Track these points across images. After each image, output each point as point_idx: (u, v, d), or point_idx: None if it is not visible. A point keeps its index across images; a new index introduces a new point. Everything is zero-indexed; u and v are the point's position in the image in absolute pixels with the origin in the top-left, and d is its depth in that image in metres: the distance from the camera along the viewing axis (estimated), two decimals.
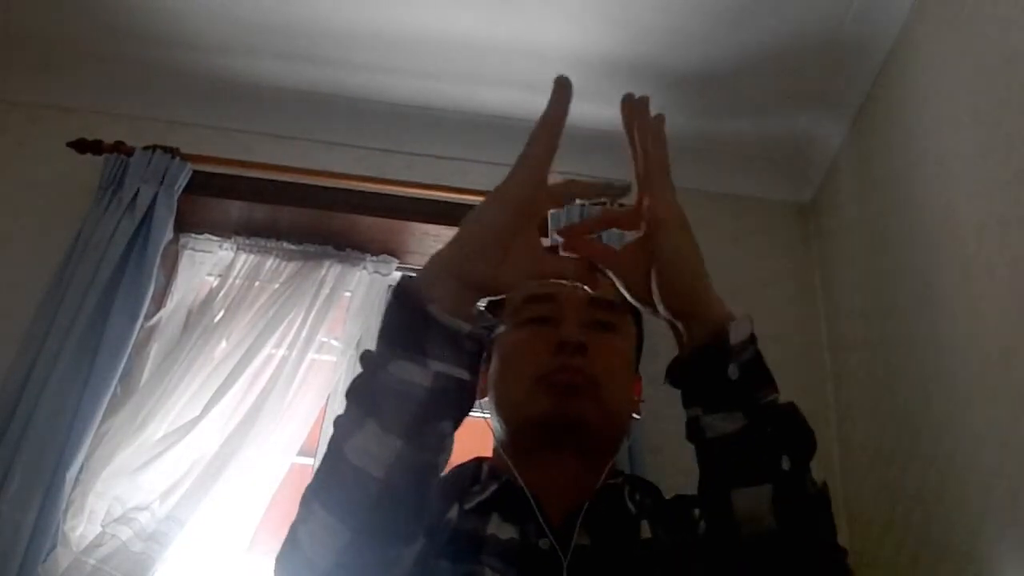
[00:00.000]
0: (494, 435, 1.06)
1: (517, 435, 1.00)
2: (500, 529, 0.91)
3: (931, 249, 1.66)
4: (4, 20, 2.16)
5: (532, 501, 0.93)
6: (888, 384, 1.80)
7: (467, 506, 0.95)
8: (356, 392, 0.76)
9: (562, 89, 0.88)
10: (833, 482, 1.95)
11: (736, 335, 0.80)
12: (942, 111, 1.67)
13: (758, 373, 0.80)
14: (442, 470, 0.77)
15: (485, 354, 1.07)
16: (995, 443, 1.36)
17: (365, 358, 0.76)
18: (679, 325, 0.84)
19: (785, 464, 0.77)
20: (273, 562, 0.78)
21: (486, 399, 1.07)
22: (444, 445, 0.76)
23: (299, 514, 0.77)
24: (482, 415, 1.07)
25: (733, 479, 0.77)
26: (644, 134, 0.88)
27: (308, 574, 0.74)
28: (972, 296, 1.48)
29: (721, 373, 0.78)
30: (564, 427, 0.97)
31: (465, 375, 0.75)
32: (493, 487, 0.97)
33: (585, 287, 0.89)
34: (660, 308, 0.83)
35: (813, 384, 2.09)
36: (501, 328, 1.07)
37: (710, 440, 0.79)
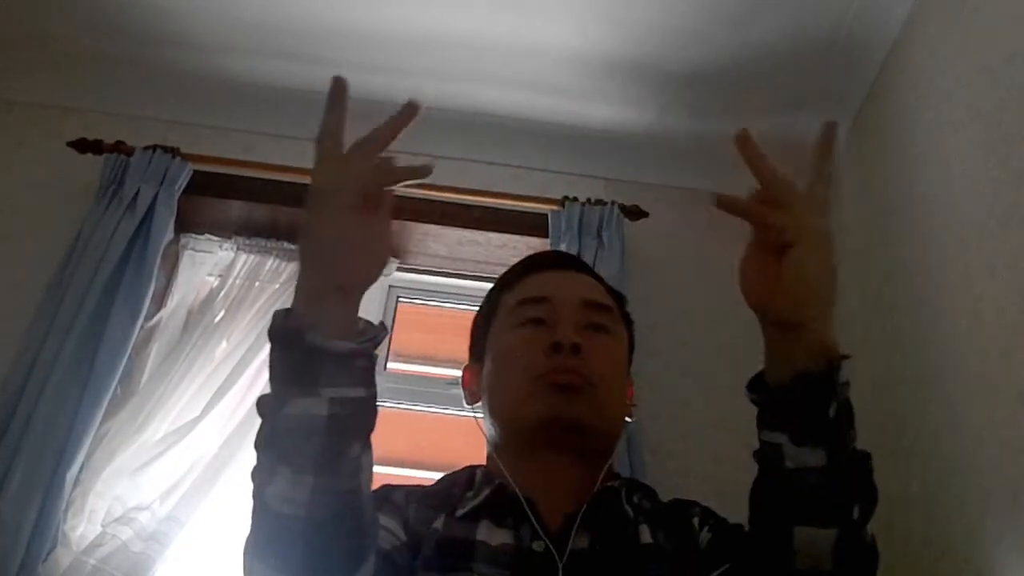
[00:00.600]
0: (487, 439, 1.05)
1: (513, 436, 1.00)
2: (491, 535, 0.91)
3: (931, 249, 1.66)
4: (4, 20, 2.16)
5: (526, 504, 0.93)
6: (888, 384, 1.80)
7: (458, 513, 0.94)
8: (261, 441, 0.75)
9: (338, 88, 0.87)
10: None
11: (843, 374, 0.79)
12: (942, 111, 1.67)
13: (850, 414, 0.79)
14: (366, 489, 0.77)
15: (476, 353, 1.08)
16: (995, 443, 1.36)
17: (261, 404, 0.75)
18: (782, 339, 0.81)
19: (855, 513, 0.76)
20: None
21: (479, 403, 1.07)
22: (359, 466, 0.75)
23: (243, 571, 0.77)
24: (472, 415, 1.07)
25: (802, 516, 0.77)
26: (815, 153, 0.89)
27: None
28: (972, 296, 1.48)
29: (822, 408, 0.77)
30: (561, 428, 0.97)
31: (361, 392, 0.74)
32: (486, 492, 0.96)
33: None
34: (775, 313, 0.81)
35: None
36: (494, 330, 1.08)
37: (788, 470, 0.77)
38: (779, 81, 2.12)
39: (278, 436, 0.73)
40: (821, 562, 0.76)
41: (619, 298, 1.13)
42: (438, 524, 0.92)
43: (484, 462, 1.07)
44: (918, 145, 1.76)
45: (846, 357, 0.79)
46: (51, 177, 2.13)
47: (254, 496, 0.75)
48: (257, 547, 0.75)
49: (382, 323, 0.79)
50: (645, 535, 0.93)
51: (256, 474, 0.75)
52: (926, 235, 1.69)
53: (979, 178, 1.50)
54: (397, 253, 2.17)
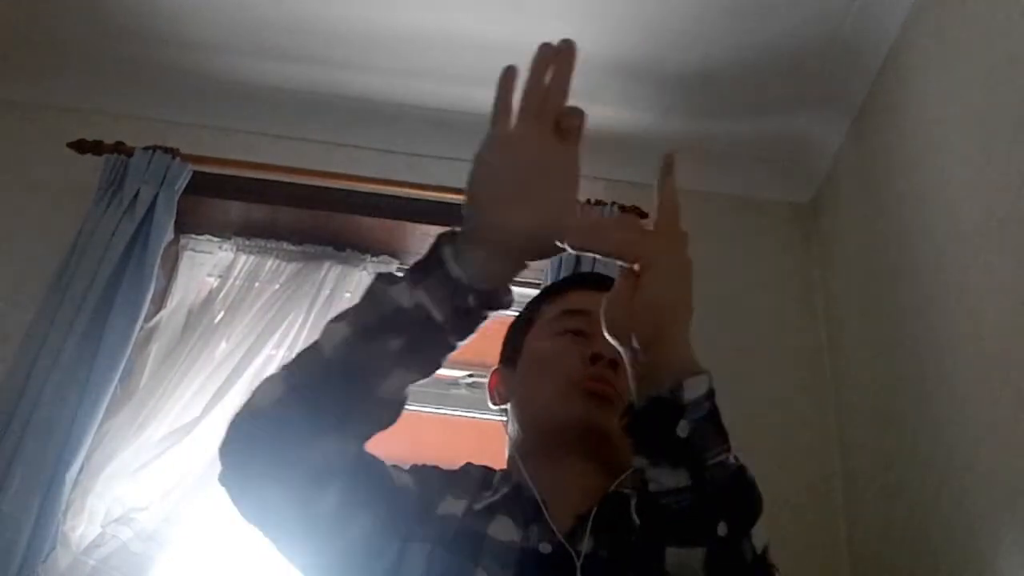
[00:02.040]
0: (510, 440, 1.07)
1: (540, 438, 1.02)
2: (502, 531, 0.92)
3: (931, 249, 1.66)
4: (4, 20, 2.16)
5: (542, 505, 0.94)
6: (888, 384, 1.80)
7: (476, 506, 0.96)
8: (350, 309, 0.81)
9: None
10: (833, 482, 1.97)
11: (692, 391, 0.77)
12: (942, 111, 1.67)
13: (710, 431, 0.78)
14: (387, 406, 0.81)
15: (508, 358, 1.09)
16: (995, 443, 1.36)
17: (378, 275, 0.82)
18: (636, 364, 0.82)
19: (722, 530, 0.75)
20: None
21: (507, 405, 1.09)
22: (393, 372, 0.78)
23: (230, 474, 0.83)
24: (470, 415, 1.08)
25: (668, 536, 0.77)
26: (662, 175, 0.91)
27: (248, 420, 0.81)
28: (972, 296, 1.48)
29: (670, 429, 0.76)
30: (589, 434, 0.99)
31: (439, 317, 0.76)
32: (504, 490, 0.98)
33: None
34: (631, 342, 0.81)
35: (812, 385, 2.09)
36: (532, 336, 1.10)
37: (652, 493, 0.77)
38: (779, 82, 2.12)
39: (363, 296, 0.80)
40: None
41: None
42: (458, 510, 0.95)
43: (493, 465, 1.09)
44: (917, 146, 1.76)
45: (697, 374, 0.78)
46: (51, 177, 2.13)
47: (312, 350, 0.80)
48: (287, 363, 0.82)
49: (511, 300, 0.81)
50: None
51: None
52: (925, 235, 1.69)
53: (978, 178, 1.50)
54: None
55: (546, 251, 0.81)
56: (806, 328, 2.17)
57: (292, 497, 0.82)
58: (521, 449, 1.04)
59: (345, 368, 0.78)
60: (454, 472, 1.05)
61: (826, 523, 1.92)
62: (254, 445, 0.81)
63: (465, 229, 0.80)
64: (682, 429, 0.76)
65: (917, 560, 1.58)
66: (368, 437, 0.85)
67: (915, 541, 1.60)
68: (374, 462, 0.91)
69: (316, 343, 0.80)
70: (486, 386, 1.17)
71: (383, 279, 0.80)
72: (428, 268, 0.77)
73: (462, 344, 0.81)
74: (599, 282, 1.16)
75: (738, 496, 0.78)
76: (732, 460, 0.78)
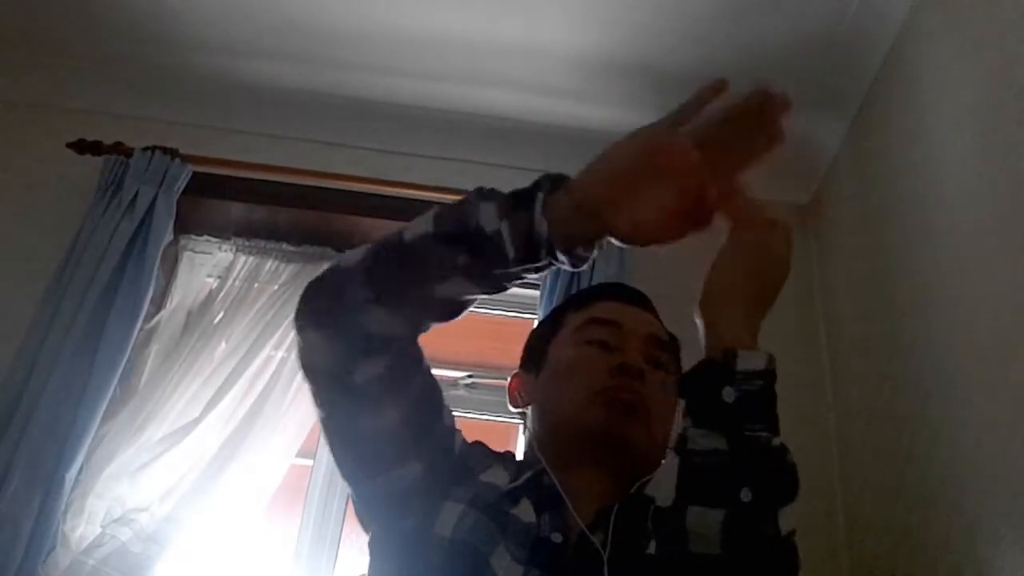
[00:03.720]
0: (532, 439, 1.08)
1: (561, 443, 1.03)
2: (524, 513, 0.94)
3: (931, 249, 1.66)
4: (4, 20, 2.16)
5: (564, 496, 0.96)
6: (887, 384, 1.80)
7: (508, 487, 0.98)
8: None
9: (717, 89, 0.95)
10: (832, 482, 1.96)
11: (746, 363, 0.80)
12: (941, 111, 1.67)
13: (756, 407, 0.80)
14: (442, 308, 0.88)
15: (532, 364, 1.12)
16: (995, 443, 1.37)
17: (479, 188, 0.85)
18: (705, 332, 0.85)
19: (745, 496, 0.76)
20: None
21: (526, 408, 1.11)
22: (452, 278, 0.83)
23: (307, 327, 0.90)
24: (469, 416, 1.09)
25: (694, 495, 0.78)
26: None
27: (329, 275, 0.89)
28: (971, 296, 1.48)
29: (717, 392, 0.79)
30: (610, 443, 1.00)
31: (510, 253, 0.79)
32: (528, 475, 1.00)
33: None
34: (698, 311, 0.86)
35: (812, 385, 2.09)
36: (556, 343, 1.12)
37: (689, 451, 0.79)
38: (778, 82, 2.12)
39: (455, 207, 0.85)
40: (710, 544, 0.76)
41: (677, 342, 1.16)
42: (501, 481, 0.98)
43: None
44: (917, 145, 1.77)
45: (757, 351, 0.82)
46: (50, 178, 2.13)
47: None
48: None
49: (584, 260, 0.83)
50: (651, 547, 0.95)
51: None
52: (924, 235, 1.69)
53: (978, 178, 1.50)
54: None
55: (628, 237, 0.81)
56: (805, 328, 2.18)
57: (346, 354, 0.88)
58: (544, 449, 1.05)
59: (415, 258, 0.85)
60: (499, 453, 1.08)
61: (825, 523, 1.92)
62: (330, 295, 0.88)
63: (572, 183, 0.82)
64: (728, 395, 0.79)
65: (916, 560, 1.58)
66: (419, 326, 0.91)
67: (914, 541, 1.60)
68: (429, 377, 0.97)
69: (400, 230, 0.87)
70: (506, 388, 1.18)
71: (482, 193, 0.84)
72: (520, 203, 0.80)
73: (528, 278, 0.85)
74: (627, 294, 1.18)
75: (770, 470, 0.80)
76: (776, 442, 0.80)
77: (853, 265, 2.05)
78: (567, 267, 0.82)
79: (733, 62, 2.07)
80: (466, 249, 0.81)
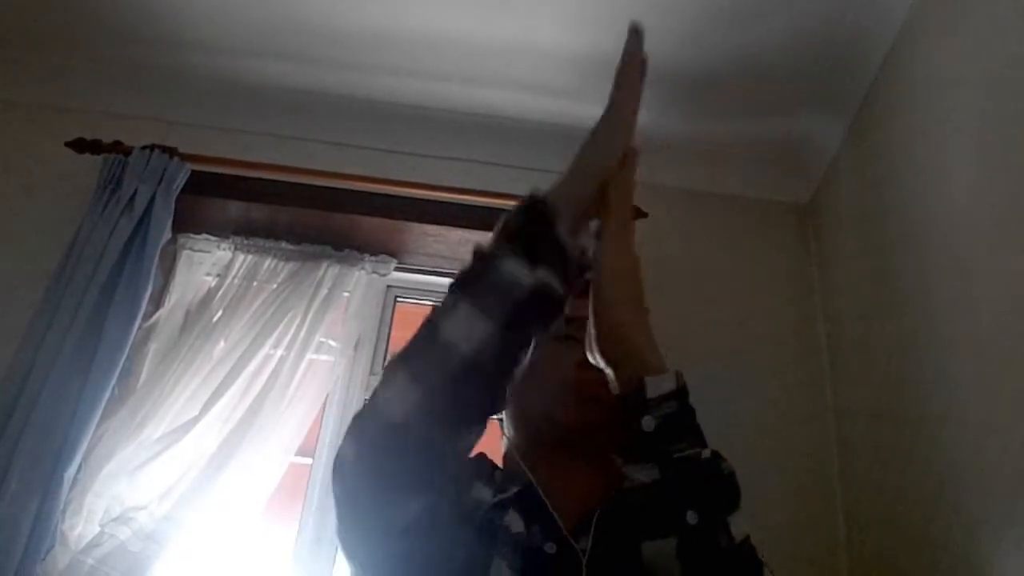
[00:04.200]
0: (509, 441, 1.08)
1: (540, 442, 1.03)
2: (514, 524, 0.94)
3: (930, 249, 1.66)
4: (3, 20, 2.15)
5: (547, 504, 0.96)
6: (887, 384, 1.80)
7: (494, 499, 0.97)
8: (462, 280, 0.82)
9: (635, 34, 1.00)
10: (832, 482, 1.97)
11: (654, 389, 0.81)
12: (941, 112, 1.67)
13: (677, 428, 0.81)
14: (514, 377, 0.83)
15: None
16: (995, 443, 1.37)
17: (477, 251, 0.83)
18: (609, 374, 0.87)
19: (692, 519, 0.77)
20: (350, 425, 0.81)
21: (503, 412, 1.10)
22: (527, 348, 0.82)
23: (380, 381, 0.81)
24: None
25: (642, 531, 0.78)
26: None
27: (377, 426, 0.78)
28: (971, 296, 1.48)
29: (637, 424, 0.80)
30: (587, 437, 1.00)
31: (560, 290, 0.81)
32: (515, 488, 0.99)
33: None
34: (593, 358, 0.88)
35: (812, 385, 2.09)
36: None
37: (626, 490, 0.80)
38: (777, 83, 2.12)
39: (483, 280, 0.81)
40: (672, 574, 0.76)
41: None
42: (486, 495, 0.96)
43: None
44: (916, 146, 1.77)
45: (661, 373, 0.83)
46: (49, 177, 2.13)
47: (427, 323, 0.81)
48: (410, 361, 0.79)
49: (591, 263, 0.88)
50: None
51: (443, 304, 0.82)
52: (924, 236, 1.69)
53: (977, 179, 1.50)
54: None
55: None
56: (805, 328, 2.18)
57: (425, 502, 0.80)
58: (521, 451, 1.04)
59: (494, 362, 0.79)
60: (476, 458, 1.06)
61: (825, 523, 1.92)
62: (392, 456, 0.77)
63: (559, 202, 0.84)
64: (647, 424, 0.80)
65: (916, 560, 1.58)
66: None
67: (914, 541, 1.60)
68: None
69: (441, 339, 0.78)
70: None
71: (486, 260, 0.81)
72: (544, 246, 0.80)
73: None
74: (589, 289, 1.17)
75: (709, 486, 0.79)
76: (706, 454, 0.80)
77: (853, 265, 2.05)
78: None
79: (732, 63, 2.07)
80: (534, 317, 0.80)
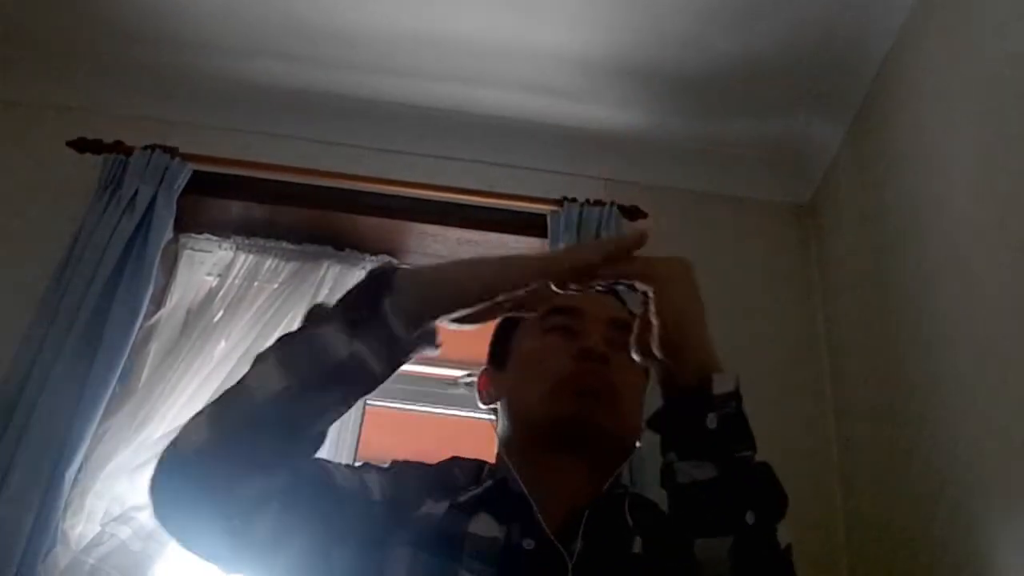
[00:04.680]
0: (500, 439, 1.07)
1: (530, 436, 1.02)
2: (483, 528, 0.92)
3: (930, 249, 1.66)
4: (4, 20, 2.16)
5: (531, 501, 0.94)
6: (887, 384, 1.80)
7: (459, 500, 0.96)
8: (287, 334, 0.82)
9: (638, 240, 0.92)
10: (832, 482, 1.96)
11: (720, 386, 0.82)
12: (941, 112, 1.67)
13: (737, 428, 0.82)
14: (316, 440, 0.84)
15: (497, 359, 1.11)
16: (995, 443, 1.37)
17: (313, 308, 0.83)
18: (669, 370, 0.87)
19: (750, 519, 0.77)
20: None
21: (495, 404, 1.09)
22: (325, 415, 0.81)
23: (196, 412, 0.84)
24: (469, 415, 1.08)
25: (698, 528, 0.79)
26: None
27: (174, 462, 0.80)
28: (972, 296, 1.49)
29: (699, 421, 0.80)
30: (582, 431, 0.99)
31: (376, 367, 0.80)
32: (489, 483, 0.98)
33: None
34: (658, 354, 0.87)
35: (811, 385, 2.09)
36: (519, 335, 1.11)
37: (680, 485, 0.80)
38: (777, 83, 2.12)
39: (298, 340, 0.80)
40: (721, 571, 0.77)
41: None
42: (438, 510, 0.94)
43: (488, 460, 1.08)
44: (916, 147, 1.77)
45: (723, 372, 0.84)
46: (50, 177, 2.12)
47: (235, 381, 0.81)
48: (212, 402, 0.82)
49: (438, 346, 0.86)
50: (637, 546, 0.94)
51: (259, 354, 0.82)
52: (924, 236, 1.69)
53: (977, 179, 1.50)
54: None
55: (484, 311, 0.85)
56: (804, 328, 2.17)
57: (222, 530, 0.81)
58: (512, 447, 1.03)
59: (280, 417, 0.79)
60: (438, 468, 1.05)
61: (824, 523, 1.92)
62: (181, 486, 0.80)
63: (406, 283, 0.82)
64: (711, 421, 0.80)
65: (916, 560, 1.58)
66: (296, 466, 0.85)
67: (914, 541, 1.60)
68: (313, 477, 0.89)
69: (245, 385, 0.80)
70: (475, 386, 1.17)
71: (316, 318, 0.81)
72: (366, 322, 0.79)
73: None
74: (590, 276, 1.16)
75: (765, 488, 0.81)
76: (758, 459, 0.81)
77: (853, 265, 2.05)
78: (431, 350, 0.84)
79: (732, 63, 2.07)
80: (333, 386, 0.79)
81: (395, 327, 0.79)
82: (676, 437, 0.82)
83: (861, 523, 1.84)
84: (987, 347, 1.42)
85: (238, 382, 0.81)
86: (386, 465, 1.02)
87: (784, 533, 0.81)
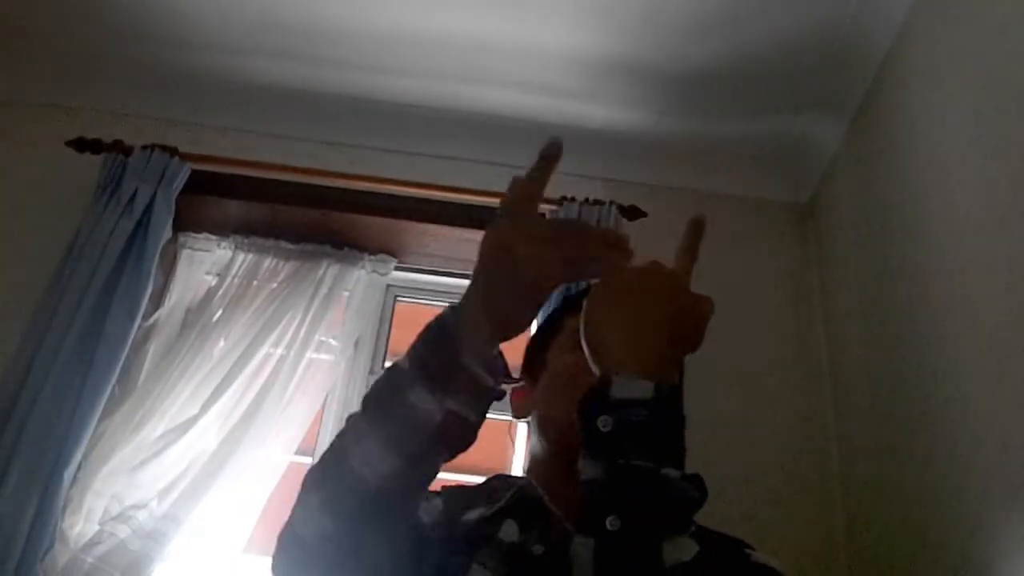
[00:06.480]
0: (531, 451, 1.07)
1: (560, 453, 1.02)
2: (508, 533, 0.93)
3: (930, 249, 1.66)
4: (4, 20, 2.16)
5: (549, 509, 0.95)
6: (886, 384, 1.80)
7: (488, 512, 0.97)
8: (373, 403, 0.83)
9: (551, 151, 0.91)
10: (832, 482, 1.96)
11: (620, 392, 0.78)
12: (940, 111, 1.67)
13: (640, 439, 0.77)
14: (427, 492, 0.88)
15: (530, 373, 1.11)
16: (995, 443, 1.36)
17: (390, 371, 0.82)
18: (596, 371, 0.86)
19: (612, 525, 0.74)
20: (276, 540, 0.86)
21: (528, 418, 1.09)
22: (435, 473, 0.83)
23: (297, 498, 0.85)
24: (494, 417, 1.08)
25: (578, 524, 0.78)
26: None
27: (298, 551, 0.84)
28: (971, 296, 1.48)
29: (592, 422, 0.78)
30: None
31: (473, 417, 0.80)
32: (509, 493, 0.99)
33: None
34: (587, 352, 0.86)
35: (811, 384, 2.09)
36: (554, 349, 1.10)
37: (579, 483, 0.79)
38: (777, 83, 2.12)
39: (391, 410, 0.81)
40: (585, 572, 0.75)
41: None
42: (472, 516, 0.97)
43: (507, 471, 1.10)
44: (916, 146, 1.77)
45: (635, 377, 0.79)
46: (49, 176, 2.13)
47: (337, 444, 0.83)
48: (322, 487, 0.84)
49: (516, 378, 0.86)
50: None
51: (353, 425, 0.83)
52: (923, 235, 1.69)
53: (977, 179, 1.50)
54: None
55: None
56: (804, 327, 2.18)
57: None
58: (537, 459, 1.04)
59: (401, 493, 0.82)
60: (479, 487, 1.06)
61: (824, 523, 1.92)
62: (303, 572, 0.84)
63: (471, 318, 0.81)
64: (603, 424, 0.77)
65: (915, 560, 1.58)
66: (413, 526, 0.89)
67: (914, 541, 1.60)
68: (412, 533, 0.91)
69: (352, 469, 0.81)
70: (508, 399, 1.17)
71: (396, 381, 0.81)
72: (448, 376, 0.79)
73: None
74: None
75: (647, 500, 0.76)
76: (668, 472, 0.76)
77: (853, 265, 2.05)
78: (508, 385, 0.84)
79: (732, 63, 2.07)
80: (441, 448, 0.81)
81: (480, 377, 0.79)
82: (581, 432, 0.80)
83: (861, 523, 1.84)
84: (987, 346, 1.42)
85: (340, 458, 0.82)
86: (438, 489, 1.04)
87: (680, 551, 0.76)
